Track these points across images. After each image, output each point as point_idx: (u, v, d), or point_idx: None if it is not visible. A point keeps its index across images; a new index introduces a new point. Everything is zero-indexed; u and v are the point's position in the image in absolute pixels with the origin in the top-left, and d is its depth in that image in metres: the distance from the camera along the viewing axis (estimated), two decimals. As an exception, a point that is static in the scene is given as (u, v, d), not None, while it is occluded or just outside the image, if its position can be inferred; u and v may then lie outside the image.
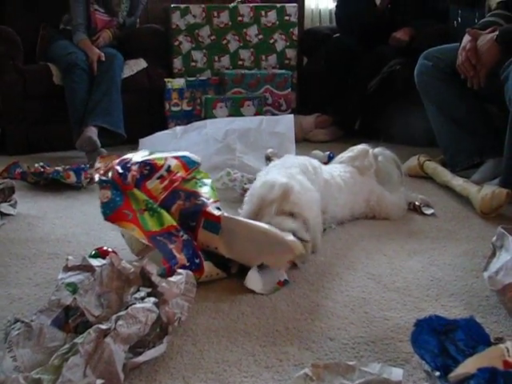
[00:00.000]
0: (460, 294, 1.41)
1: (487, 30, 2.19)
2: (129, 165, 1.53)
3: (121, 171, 1.49)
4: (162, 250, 1.40)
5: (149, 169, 1.56)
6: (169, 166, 1.59)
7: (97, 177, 1.45)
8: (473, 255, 1.67)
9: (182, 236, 1.47)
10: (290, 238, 1.49)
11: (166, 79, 3.59)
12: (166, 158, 1.61)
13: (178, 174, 1.61)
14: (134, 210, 1.44)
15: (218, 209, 1.56)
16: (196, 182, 1.64)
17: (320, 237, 1.71)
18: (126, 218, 1.42)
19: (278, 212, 1.57)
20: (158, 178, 1.57)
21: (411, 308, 1.35)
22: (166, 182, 1.57)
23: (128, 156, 1.59)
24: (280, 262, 1.51)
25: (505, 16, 2.28)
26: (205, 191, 1.62)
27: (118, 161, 1.54)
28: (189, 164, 1.66)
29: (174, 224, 1.49)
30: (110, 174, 1.47)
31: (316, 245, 1.67)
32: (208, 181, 1.69)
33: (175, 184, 1.58)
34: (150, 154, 1.64)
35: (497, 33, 2.13)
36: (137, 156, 1.60)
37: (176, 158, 1.65)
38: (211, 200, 1.59)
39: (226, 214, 1.52)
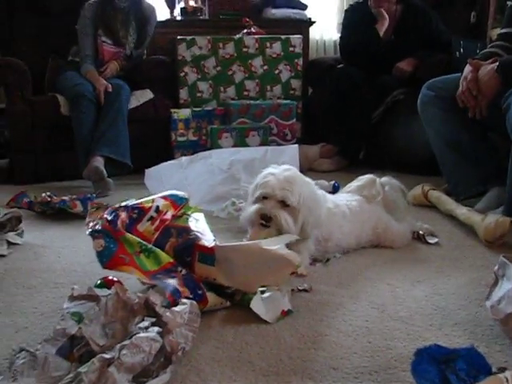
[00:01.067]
0: (464, 324, 1.41)
1: (488, 61, 2.22)
2: (117, 212, 1.55)
3: (110, 218, 1.51)
4: (165, 285, 1.41)
5: (137, 212, 1.59)
6: (157, 207, 1.62)
7: (87, 230, 1.48)
8: (477, 284, 1.67)
9: (181, 271, 1.48)
10: (286, 251, 1.50)
11: (172, 110, 3.64)
12: (153, 200, 1.64)
13: (168, 213, 1.63)
14: (129, 253, 1.46)
15: (214, 240, 1.58)
16: (187, 218, 1.66)
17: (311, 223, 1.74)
18: (124, 262, 1.43)
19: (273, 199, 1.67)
20: (149, 220, 1.60)
21: (415, 337, 1.34)
22: (156, 223, 1.60)
23: (116, 205, 1.61)
24: (281, 279, 1.51)
25: (505, 47, 2.31)
26: (196, 225, 1.64)
27: (106, 210, 1.56)
28: (177, 201, 1.68)
29: (171, 261, 1.51)
30: (99, 224, 1.49)
31: (306, 231, 1.71)
32: (199, 215, 1.71)
33: (166, 223, 1.61)
34: (138, 200, 1.66)
35: (497, 63, 2.16)
36: (124, 203, 1.62)
37: (163, 197, 1.67)
38: (203, 232, 1.61)
39: (218, 244, 1.53)
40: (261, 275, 1.50)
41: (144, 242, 1.52)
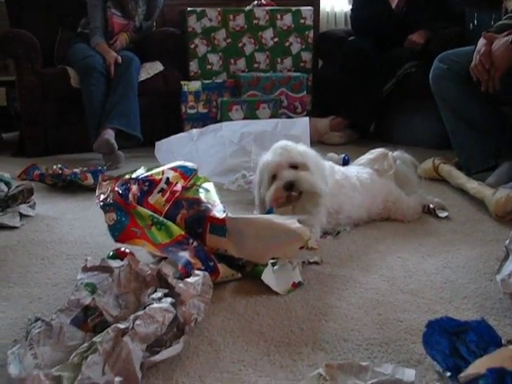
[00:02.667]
0: (473, 297, 1.42)
1: (503, 34, 2.19)
2: (128, 184, 1.56)
3: (121, 192, 1.52)
4: (177, 258, 1.42)
5: (148, 184, 1.60)
6: (167, 178, 1.63)
7: (99, 203, 1.48)
8: (487, 258, 1.68)
9: (192, 243, 1.49)
10: (296, 225, 1.52)
11: (182, 82, 3.62)
12: (163, 171, 1.65)
13: (178, 185, 1.65)
14: (141, 226, 1.46)
15: (224, 211, 1.59)
16: (197, 189, 1.67)
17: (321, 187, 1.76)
18: (135, 236, 1.44)
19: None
20: (159, 192, 1.61)
21: (424, 310, 1.35)
22: (167, 195, 1.61)
23: (126, 177, 1.62)
24: (291, 252, 1.53)
25: None
26: (206, 196, 1.65)
27: (116, 183, 1.56)
28: (186, 172, 1.69)
29: (183, 233, 1.52)
30: (111, 197, 1.50)
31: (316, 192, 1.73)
32: (209, 185, 1.72)
33: (176, 194, 1.62)
34: (147, 170, 1.67)
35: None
36: (134, 175, 1.63)
37: (173, 169, 1.68)
38: (214, 203, 1.62)
39: (230, 215, 1.54)
40: (271, 248, 1.51)
41: (155, 215, 1.53)
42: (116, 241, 1.44)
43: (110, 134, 3.01)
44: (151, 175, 1.63)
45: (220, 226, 1.52)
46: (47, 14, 3.74)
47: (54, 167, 2.59)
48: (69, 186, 2.52)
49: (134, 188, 1.57)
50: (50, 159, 3.09)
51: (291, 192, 1.71)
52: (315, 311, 1.36)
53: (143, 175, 1.63)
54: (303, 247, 1.53)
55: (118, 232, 1.44)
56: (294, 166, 1.73)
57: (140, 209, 1.51)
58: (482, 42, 2.24)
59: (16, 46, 3.30)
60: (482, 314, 1.33)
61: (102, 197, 1.50)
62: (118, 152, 2.97)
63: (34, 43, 3.34)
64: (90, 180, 2.48)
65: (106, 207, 1.47)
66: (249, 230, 1.52)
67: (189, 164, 1.74)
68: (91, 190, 2.46)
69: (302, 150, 1.77)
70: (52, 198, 2.42)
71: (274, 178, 1.74)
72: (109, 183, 1.56)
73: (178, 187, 1.64)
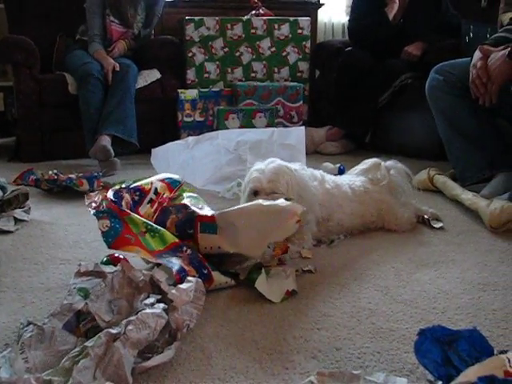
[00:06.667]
0: (466, 308, 1.42)
1: (499, 48, 2.20)
2: (120, 193, 1.57)
3: (114, 199, 1.52)
4: (171, 264, 1.42)
5: (138, 194, 1.62)
6: (156, 189, 1.65)
7: (91, 211, 1.48)
8: (480, 269, 1.68)
9: (186, 251, 1.49)
10: (286, 202, 1.53)
11: (179, 90, 3.64)
12: (151, 182, 1.67)
13: (165, 195, 1.67)
14: (134, 233, 1.47)
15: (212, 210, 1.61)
16: (182, 198, 1.69)
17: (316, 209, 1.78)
18: (129, 242, 1.44)
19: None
20: (149, 203, 1.63)
21: (418, 320, 1.35)
22: (155, 205, 1.64)
23: (116, 187, 1.63)
24: (287, 230, 1.53)
25: None
26: (193, 202, 1.67)
27: (108, 191, 1.57)
28: (172, 184, 1.72)
29: (177, 241, 1.52)
30: (104, 204, 1.50)
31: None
32: (194, 194, 1.75)
33: (163, 204, 1.64)
34: (135, 181, 1.68)
35: (509, 49, 2.14)
36: (125, 184, 1.64)
37: (160, 180, 1.70)
38: (201, 207, 1.64)
39: (218, 212, 1.55)
40: (266, 233, 1.51)
41: (149, 222, 1.53)
42: (110, 247, 1.44)
43: (106, 141, 3.01)
44: (141, 185, 1.64)
45: (210, 224, 1.53)
46: (46, 20, 3.75)
47: (50, 173, 2.59)
48: (64, 192, 2.52)
49: (127, 196, 1.58)
50: (46, 165, 3.09)
51: None
52: (308, 319, 1.36)
53: (134, 185, 1.64)
54: (299, 221, 1.52)
55: (112, 238, 1.44)
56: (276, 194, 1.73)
57: (133, 216, 1.51)
58: (477, 55, 2.25)
59: (15, 51, 3.31)
60: (475, 324, 1.33)
61: (94, 205, 1.50)
62: (114, 159, 2.97)
63: (32, 49, 3.35)
64: (86, 186, 2.48)
65: (99, 214, 1.47)
66: (240, 221, 1.52)
67: (175, 176, 1.76)
68: (87, 195, 2.46)
69: (290, 180, 1.75)
70: (47, 203, 2.42)
71: (253, 194, 1.77)
72: (98, 193, 1.57)
73: (165, 198, 1.67)
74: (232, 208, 1.59)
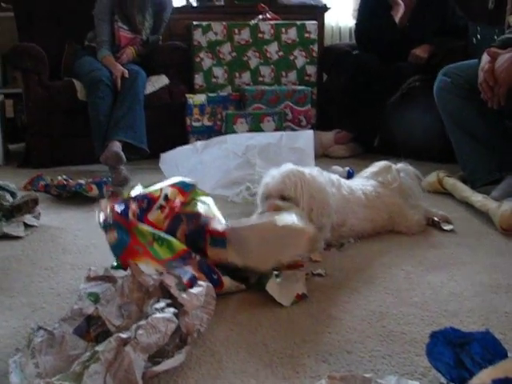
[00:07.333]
0: (478, 310, 1.41)
1: (507, 50, 2.19)
2: (127, 203, 1.55)
3: (121, 210, 1.52)
4: (182, 272, 1.42)
5: (147, 202, 1.59)
6: (166, 195, 1.62)
7: (99, 223, 1.48)
8: (492, 271, 1.67)
9: (195, 257, 1.49)
10: (296, 222, 1.52)
11: (187, 95, 3.64)
12: (161, 189, 1.64)
13: (177, 200, 1.64)
14: (142, 244, 1.46)
15: (224, 222, 1.60)
16: (195, 203, 1.66)
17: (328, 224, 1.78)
18: (138, 254, 1.44)
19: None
20: (158, 208, 1.60)
21: (429, 323, 1.34)
22: (166, 211, 1.61)
23: (124, 196, 1.63)
24: (299, 250, 1.53)
25: None
26: (206, 210, 1.65)
27: (115, 202, 1.56)
28: (184, 188, 1.69)
29: (185, 248, 1.51)
30: (111, 216, 1.49)
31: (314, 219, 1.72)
32: (208, 199, 1.72)
33: (176, 210, 1.62)
34: (145, 187, 1.67)
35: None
36: (132, 193, 1.63)
37: (171, 185, 1.67)
38: (213, 217, 1.62)
39: (229, 225, 1.55)
40: (275, 250, 1.50)
41: (156, 231, 1.52)
42: (118, 260, 1.45)
43: (117, 146, 3.01)
44: (149, 193, 1.63)
45: (220, 239, 1.52)
46: (55, 27, 3.76)
47: (59, 178, 2.60)
48: (74, 197, 2.52)
49: (134, 206, 1.57)
50: (55, 170, 3.09)
51: None
52: (318, 323, 1.35)
53: (141, 193, 1.63)
54: (308, 239, 1.52)
55: (120, 251, 1.45)
56: (285, 197, 1.74)
57: (141, 226, 1.51)
58: (485, 58, 2.24)
59: (24, 59, 3.33)
60: (488, 327, 1.31)
61: (103, 217, 1.50)
62: (124, 173, 2.92)
63: (41, 57, 3.37)
64: (95, 191, 2.49)
65: (106, 226, 1.48)
66: (251, 236, 1.52)
67: (187, 179, 1.74)
68: (96, 200, 2.47)
69: (299, 182, 1.76)
70: (57, 208, 2.43)
71: (266, 199, 1.80)
72: (107, 202, 1.56)
73: (177, 203, 1.64)
74: (244, 223, 1.59)
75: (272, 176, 1.80)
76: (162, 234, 1.52)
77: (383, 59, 3.48)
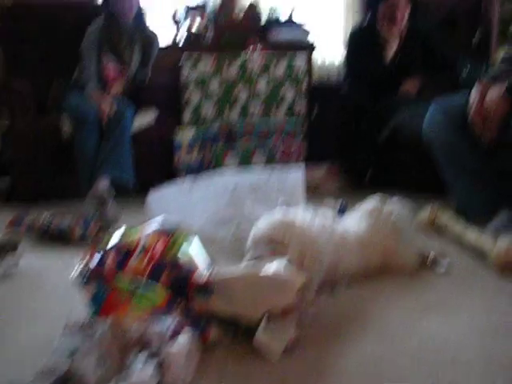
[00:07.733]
0: (477, 359, 1.35)
1: (496, 83, 2.18)
2: (104, 255, 1.51)
3: (98, 261, 1.48)
4: (164, 322, 1.35)
5: (125, 251, 1.54)
6: (143, 247, 1.56)
7: (75, 277, 1.44)
8: (489, 313, 1.62)
9: (180, 304, 1.44)
10: (285, 272, 1.48)
11: (175, 130, 3.60)
12: (139, 238, 1.58)
13: (157, 246, 1.57)
14: (123, 293, 1.43)
15: (208, 268, 1.56)
16: (178, 249, 1.59)
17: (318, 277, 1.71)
18: (117, 307, 1.40)
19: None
20: (140, 253, 1.54)
21: (426, 375, 1.28)
22: (148, 256, 1.54)
23: (102, 245, 1.58)
24: (287, 301, 1.46)
25: None
26: (188, 258, 1.59)
27: (93, 253, 1.52)
28: (167, 230, 1.64)
29: (168, 296, 1.46)
30: (87, 269, 1.45)
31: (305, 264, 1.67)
32: (194, 240, 1.68)
33: (157, 256, 1.54)
34: (123, 235, 1.61)
35: (506, 85, 2.12)
36: (110, 243, 1.58)
37: (149, 234, 1.61)
38: (196, 265, 1.57)
39: (215, 274, 1.49)
40: (264, 301, 1.44)
41: (138, 280, 1.47)
42: (97, 315, 1.40)
43: (104, 184, 2.97)
44: (126, 242, 1.57)
45: (204, 289, 1.46)
46: (42, 63, 3.73)
47: (43, 217, 2.54)
48: (57, 238, 2.46)
49: (112, 255, 1.51)
50: (40, 206, 3.02)
51: None
52: (311, 371, 1.29)
53: (119, 244, 1.57)
54: (298, 289, 1.46)
55: (98, 305, 1.42)
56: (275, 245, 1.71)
57: (121, 275, 1.46)
58: (475, 92, 2.23)
59: (10, 96, 3.30)
60: (488, 381, 1.25)
61: (81, 269, 1.46)
62: (112, 208, 2.88)
63: (28, 92, 3.33)
64: (79, 231, 2.45)
65: (83, 281, 1.44)
66: (239, 285, 1.46)
67: (170, 219, 1.70)
68: (79, 242, 2.41)
69: (289, 231, 1.73)
70: (37, 251, 2.34)
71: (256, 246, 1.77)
72: (87, 252, 1.51)
73: (158, 248, 1.57)
74: (229, 271, 1.52)
75: (262, 223, 1.80)
76: (144, 283, 1.46)
77: (373, 94, 3.47)
